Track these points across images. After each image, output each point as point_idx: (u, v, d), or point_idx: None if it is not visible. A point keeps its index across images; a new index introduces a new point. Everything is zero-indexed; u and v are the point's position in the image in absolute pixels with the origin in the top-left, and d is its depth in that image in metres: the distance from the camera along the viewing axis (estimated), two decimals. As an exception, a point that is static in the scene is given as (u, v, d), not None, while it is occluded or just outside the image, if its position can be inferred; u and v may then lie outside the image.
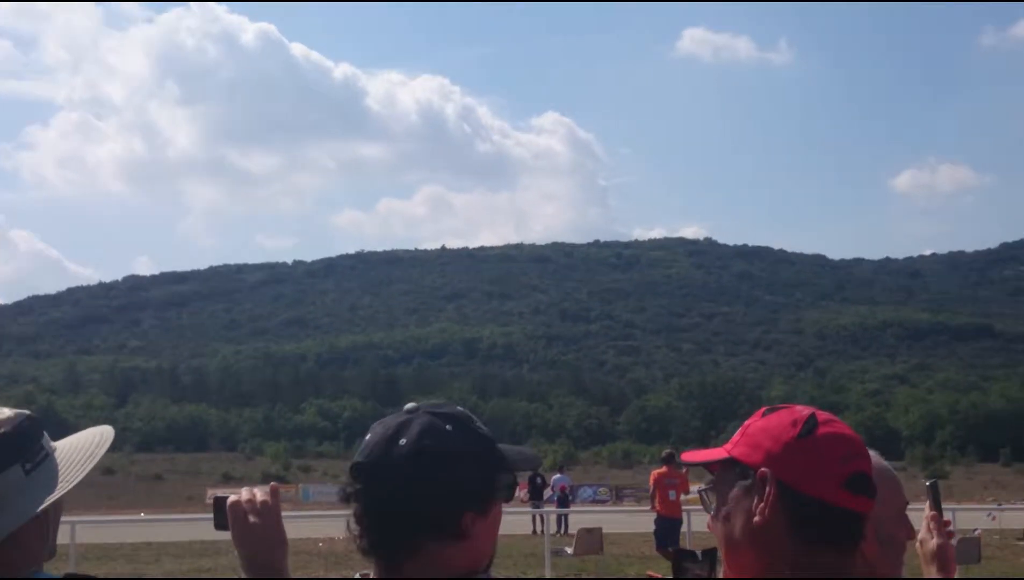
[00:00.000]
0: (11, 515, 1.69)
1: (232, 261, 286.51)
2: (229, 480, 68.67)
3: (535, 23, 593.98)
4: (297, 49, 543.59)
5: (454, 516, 1.63)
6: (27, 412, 1.72)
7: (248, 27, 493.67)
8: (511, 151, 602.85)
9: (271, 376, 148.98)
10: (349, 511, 1.68)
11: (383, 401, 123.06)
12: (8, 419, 1.72)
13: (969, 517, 23.70)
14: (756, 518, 1.46)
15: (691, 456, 1.65)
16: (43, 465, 1.77)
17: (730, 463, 1.56)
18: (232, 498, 2.01)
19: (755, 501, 1.47)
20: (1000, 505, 27.60)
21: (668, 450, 20.01)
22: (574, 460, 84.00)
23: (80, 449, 1.85)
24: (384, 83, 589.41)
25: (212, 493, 1.82)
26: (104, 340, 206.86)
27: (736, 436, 1.59)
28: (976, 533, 17.52)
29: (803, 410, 1.51)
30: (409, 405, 1.69)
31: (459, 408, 1.67)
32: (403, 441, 1.60)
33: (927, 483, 2.23)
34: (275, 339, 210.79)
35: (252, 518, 1.97)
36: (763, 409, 1.57)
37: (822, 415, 1.49)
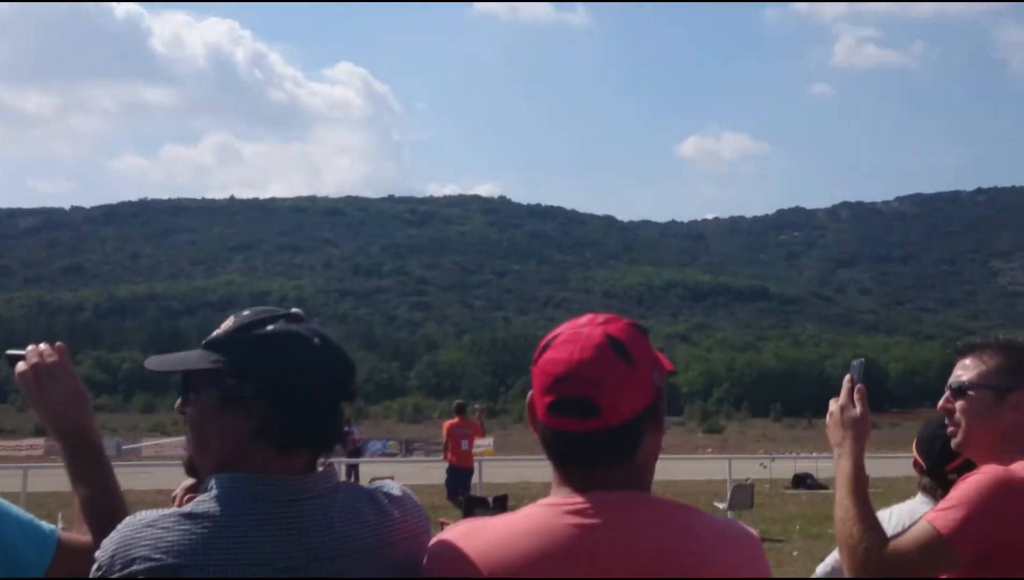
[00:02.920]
0: None
1: (2, 205, 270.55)
2: (1, 432, 65.41)
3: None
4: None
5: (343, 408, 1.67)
6: None
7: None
8: (305, 100, 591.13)
9: (45, 325, 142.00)
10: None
11: (166, 354, 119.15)
12: None
13: (742, 467, 24.89)
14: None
15: None
16: None
17: None
18: (19, 367, 1.91)
19: None
20: (772, 456, 29.06)
21: (460, 400, 20.05)
22: (364, 415, 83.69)
23: None
24: (170, 24, 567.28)
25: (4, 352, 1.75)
26: None
27: None
28: (749, 481, 18.33)
29: (557, 331, 1.60)
30: (296, 310, 1.71)
31: None
32: (270, 327, 1.63)
33: (855, 362, 2.48)
34: (50, 287, 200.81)
35: (47, 382, 1.90)
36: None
37: (565, 334, 1.54)
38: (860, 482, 2.36)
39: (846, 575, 2.30)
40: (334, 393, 1.60)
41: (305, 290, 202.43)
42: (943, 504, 2.25)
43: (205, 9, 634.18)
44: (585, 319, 1.56)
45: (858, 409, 2.42)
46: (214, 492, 1.51)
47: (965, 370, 2.49)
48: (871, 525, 2.26)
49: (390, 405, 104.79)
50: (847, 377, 2.45)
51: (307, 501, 1.57)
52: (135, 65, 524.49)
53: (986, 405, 2.42)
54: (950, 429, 2.49)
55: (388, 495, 1.66)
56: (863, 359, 2.53)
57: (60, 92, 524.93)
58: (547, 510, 1.52)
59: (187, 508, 1.55)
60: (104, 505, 1.76)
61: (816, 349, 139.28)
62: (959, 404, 2.46)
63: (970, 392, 2.44)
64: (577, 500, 1.48)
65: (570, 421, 1.51)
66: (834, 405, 2.47)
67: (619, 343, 1.49)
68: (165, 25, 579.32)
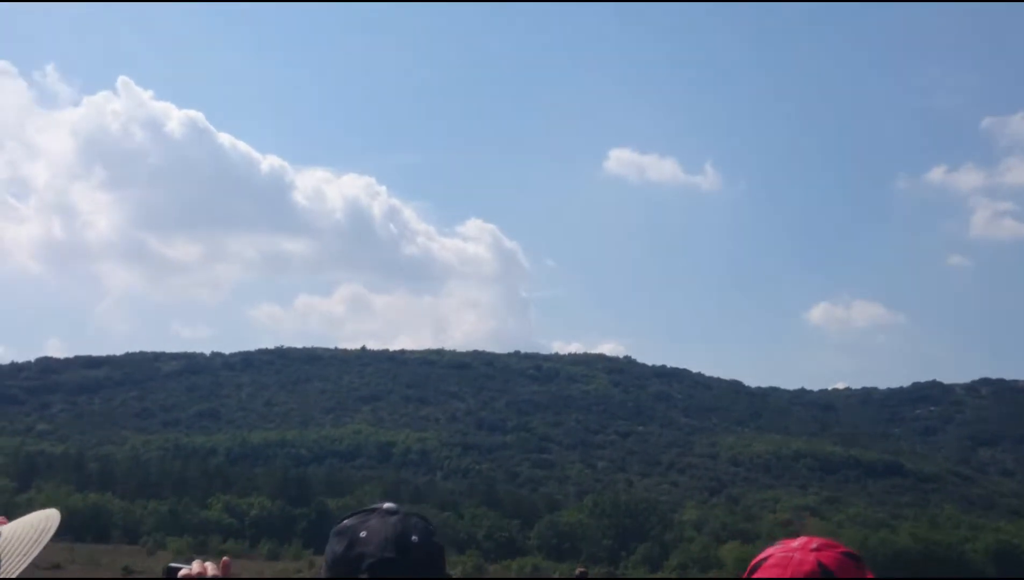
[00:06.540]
0: None
1: (147, 348, 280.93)
2: (130, 573, 66.89)
3: (462, 132, 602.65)
4: (224, 138, 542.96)
5: None
6: None
7: (175, 114, 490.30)
8: (437, 255, 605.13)
9: (179, 468, 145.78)
10: None
11: (292, 501, 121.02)
12: None
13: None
14: None
15: None
16: None
17: None
18: (183, 571, 2.06)
19: None
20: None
21: (581, 569, 20.06)
22: (483, 572, 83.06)
23: (22, 539, 1.76)
24: (311, 179, 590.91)
25: (166, 564, 1.84)
26: (11, 422, 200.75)
27: None
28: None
29: (769, 552, 1.52)
30: (389, 504, 1.86)
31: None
32: (415, 538, 1.78)
33: None
34: (186, 431, 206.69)
35: None
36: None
37: (776, 557, 1.46)
38: None
39: None
40: None
41: (429, 443, 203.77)
42: None
43: (345, 166, 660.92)
44: (798, 543, 1.50)
45: None
46: None
47: None
48: None
49: (509, 564, 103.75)
50: None
51: None
52: (277, 217, 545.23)
53: None
54: None
55: None
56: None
57: (205, 241, 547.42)
58: None
59: None
60: None
61: (956, 531, 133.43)
62: None
63: None
64: None
65: None
66: None
67: (830, 573, 1.44)
68: (306, 179, 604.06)
